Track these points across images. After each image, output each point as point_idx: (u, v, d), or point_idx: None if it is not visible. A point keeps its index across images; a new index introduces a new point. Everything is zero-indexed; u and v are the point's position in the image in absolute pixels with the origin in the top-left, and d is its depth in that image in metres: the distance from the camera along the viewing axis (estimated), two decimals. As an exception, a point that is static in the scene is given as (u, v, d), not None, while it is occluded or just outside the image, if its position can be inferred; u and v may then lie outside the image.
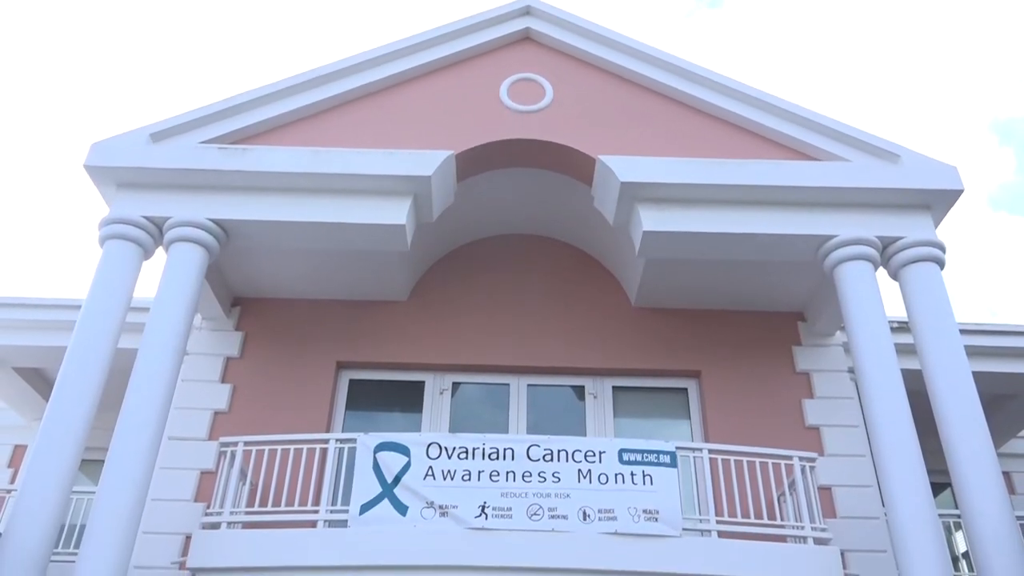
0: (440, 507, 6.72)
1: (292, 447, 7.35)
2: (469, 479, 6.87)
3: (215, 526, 6.90)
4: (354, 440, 7.14)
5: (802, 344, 9.07)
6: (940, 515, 6.84)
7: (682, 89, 8.38)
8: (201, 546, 6.71)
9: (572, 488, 6.81)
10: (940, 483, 9.18)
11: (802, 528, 6.92)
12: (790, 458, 7.28)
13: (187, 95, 31.62)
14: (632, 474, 6.89)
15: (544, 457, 6.98)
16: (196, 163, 7.60)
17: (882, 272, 7.69)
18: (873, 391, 6.88)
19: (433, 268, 9.59)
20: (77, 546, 7.42)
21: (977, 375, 7.18)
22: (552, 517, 6.67)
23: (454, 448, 7.01)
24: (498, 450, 7.02)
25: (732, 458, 7.40)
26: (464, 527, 6.64)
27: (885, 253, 7.60)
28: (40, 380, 10.46)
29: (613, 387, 9.03)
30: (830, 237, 7.57)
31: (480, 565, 6.52)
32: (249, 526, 7.11)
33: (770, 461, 7.35)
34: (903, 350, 7.53)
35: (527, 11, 8.89)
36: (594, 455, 6.99)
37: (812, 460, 7.26)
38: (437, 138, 7.99)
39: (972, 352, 7.33)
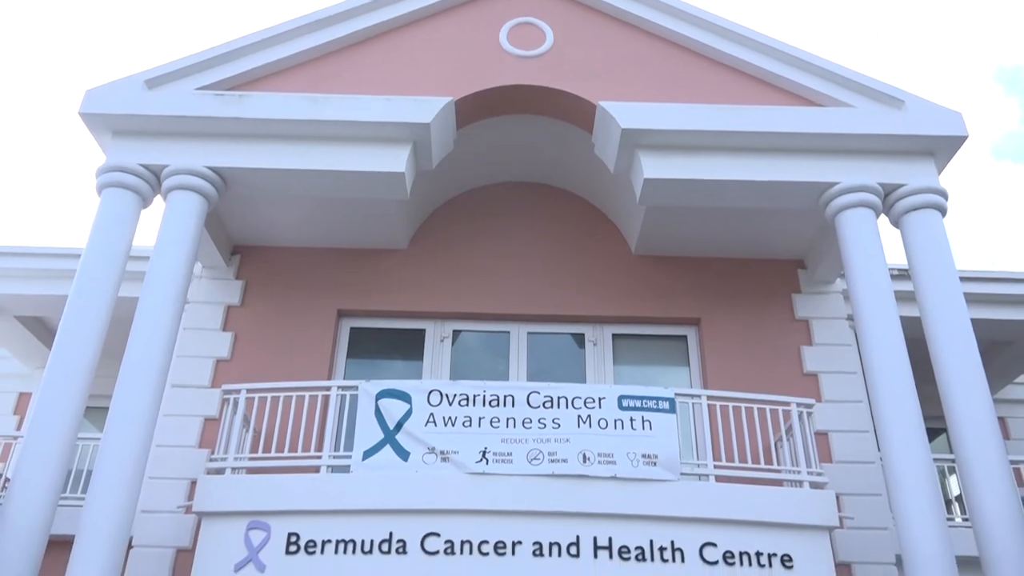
0: (441, 453, 6.81)
1: (294, 394, 7.41)
2: (470, 425, 6.94)
3: (220, 471, 7.00)
4: (356, 387, 7.20)
5: (802, 292, 9.09)
6: (934, 459, 6.93)
7: (684, 33, 8.25)
8: (206, 491, 6.82)
9: (572, 434, 6.89)
10: (935, 428, 9.31)
11: (798, 473, 7.02)
12: (788, 404, 7.35)
13: (183, 40, 31.15)
14: (631, 420, 6.96)
15: (544, 404, 7.04)
16: (192, 110, 7.51)
17: (883, 220, 7.67)
18: (872, 337, 6.91)
19: (433, 216, 9.55)
20: (84, 491, 7.54)
21: (975, 322, 7.21)
22: (552, 461, 6.75)
23: (455, 395, 7.07)
24: (498, 397, 7.08)
25: (730, 404, 7.47)
26: (465, 472, 6.73)
27: (887, 200, 7.56)
28: (42, 328, 10.52)
29: (613, 335, 9.07)
30: (832, 184, 7.53)
31: (481, 509, 6.63)
32: (253, 472, 7.21)
33: (768, 407, 7.42)
34: (902, 297, 7.56)
35: (527, -48, 8.70)
36: (594, 401, 7.05)
37: (809, 406, 7.34)
38: (436, 84, 7.88)
39: (971, 299, 7.35)
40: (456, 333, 9.10)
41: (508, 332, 9.07)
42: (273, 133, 7.58)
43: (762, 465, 7.17)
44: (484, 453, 6.79)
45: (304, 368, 8.41)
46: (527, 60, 8.17)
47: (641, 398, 7.07)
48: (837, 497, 7.18)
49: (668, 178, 7.58)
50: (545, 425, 6.93)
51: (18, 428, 10.33)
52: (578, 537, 6.55)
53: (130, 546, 7.13)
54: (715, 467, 7.06)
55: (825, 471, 7.26)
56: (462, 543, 6.52)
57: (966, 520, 8.29)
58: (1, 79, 28.79)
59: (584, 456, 6.79)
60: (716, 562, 6.52)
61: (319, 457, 7.00)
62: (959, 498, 9.15)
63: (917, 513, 6.23)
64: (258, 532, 6.59)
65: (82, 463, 8.21)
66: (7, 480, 8.24)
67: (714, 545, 6.58)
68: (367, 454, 6.84)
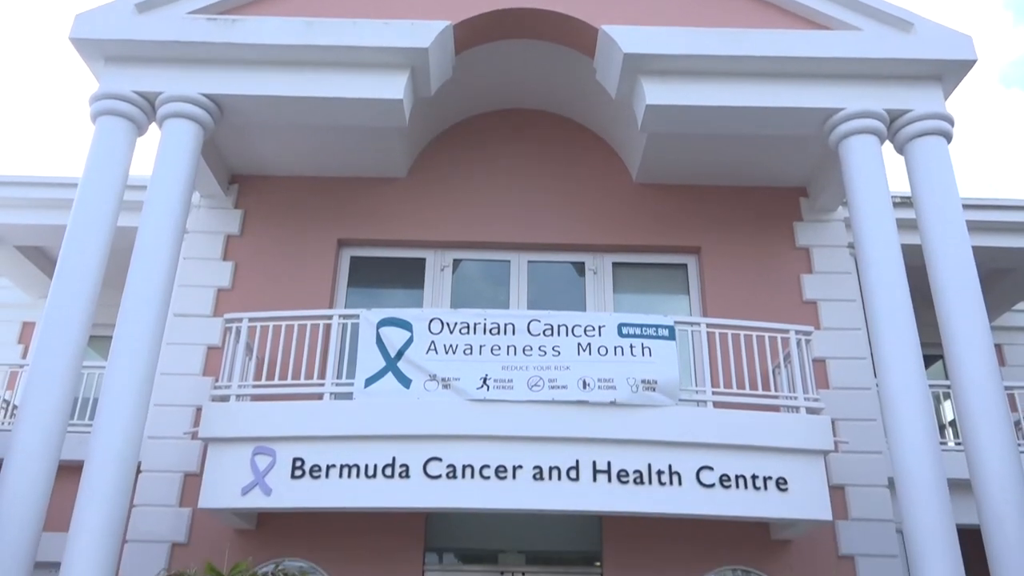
0: (442, 379, 6.89)
1: (296, 323, 7.46)
2: (471, 353, 7.00)
3: (224, 399, 7.09)
4: (357, 316, 7.24)
5: (803, 220, 9.06)
6: (930, 385, 7.01)
7: (689, -47, 8.00)
8: (211, 417, 6.93)
9: (572, 360, 6.95)
10: (932, 355, 9.39)
11: (795, 399, 7.12)
12: (786, 331, 7.41)
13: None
14: (631, 346, 7.02)
15: (544, 332, 7.09)
16: (184, 35, 7.35)
17: (887, 147, 7.58)
18: (872, 263, 6.92)
19: (432, 144, 9.45)
20: (91, 418, 7.66)
21: (976, 249, 7.20)
22: (552, 388, 6.83)
23: (455, 323, 7.12)
24: (499, 325, 7.12)
25: (729, 332, 7.52)
26: (466, 398, 6.82)
27: (892, 126, 7.46)
28: (43, 258, 10.52)
29: (613, 263, 9.08)
30: (837, 110, 7.42)
31: (482, 434, 6.74)
32: (257, 399, 7.33)
33: (766, 335, 7.48)
34: (903, 224, 7.53)
35: None
36: (594, 329, 7.09)
37: (808, 334, 7.39)
38: (434, 8, 7.69)
39: (972, 227, 7.32)
40: (456, 262, 9.10)
41: (508, 261, 9.08)
42: (268, 59, 7.43)
43: (760, 391, 7.26)
44: (485, 380, 6.87)
45: (305, 297, 8.44)
46: (527, -18, 7.94)
47: (641, 326, 7.11)
48: (833, 422, 7.30)
49: (670, 104, 7.46)
50: (545, 352, 6.99)
51: (23, 357, 10.42)
52: (578, 461, 6.67)
53: (139, 471, 7.28)
54: (713, 393, 7.15)
55: (822, 397, 7.36)
56: (464, 467, 6.64)
57: (959, 444, 8.43)
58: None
59: (584, 382, 6.86)
60: (712, 485, 6.67)
61: (322, 384, 7.09)
62: (952, 423, 9.30)
63: (911, 437, 6.34)
64: (264, 457, 6.72)
65: (88, 391, 8.32)
66: (15, 407, 8.36)
67: (711, 469, 6.71)
68: (369, 381, 6.92)
